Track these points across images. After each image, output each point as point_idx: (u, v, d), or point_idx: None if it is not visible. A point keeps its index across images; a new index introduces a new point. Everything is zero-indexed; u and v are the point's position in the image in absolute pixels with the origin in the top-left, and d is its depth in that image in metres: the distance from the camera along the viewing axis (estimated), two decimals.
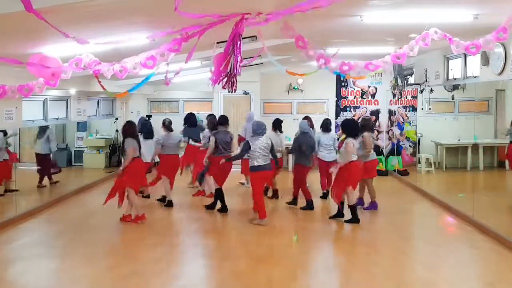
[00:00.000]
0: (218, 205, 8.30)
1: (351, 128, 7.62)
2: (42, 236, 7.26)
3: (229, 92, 4.61)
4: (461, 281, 5.41)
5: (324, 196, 9.28)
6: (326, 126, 9.32)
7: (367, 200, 8.47)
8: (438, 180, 11.84)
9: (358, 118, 13.51)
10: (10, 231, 7.26)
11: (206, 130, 9.44)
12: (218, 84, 4.56)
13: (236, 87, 4.57)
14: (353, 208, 7.50)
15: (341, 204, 7.60)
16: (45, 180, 10.51)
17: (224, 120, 8.60)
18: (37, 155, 10.55)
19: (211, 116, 9.67)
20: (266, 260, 6.03)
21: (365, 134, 8.11)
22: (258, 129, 7.47)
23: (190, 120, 9.84)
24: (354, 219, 7.46)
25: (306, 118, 9.59)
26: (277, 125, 9.48)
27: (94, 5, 3.31)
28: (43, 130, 10.41)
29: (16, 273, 5.66)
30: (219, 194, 8.27)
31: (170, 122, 9.01)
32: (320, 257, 6.44)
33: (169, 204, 8.69)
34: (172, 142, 8.74)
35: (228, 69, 4.37)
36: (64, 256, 6.33)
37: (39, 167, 10.59)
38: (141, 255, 6.29)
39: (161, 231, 7.32)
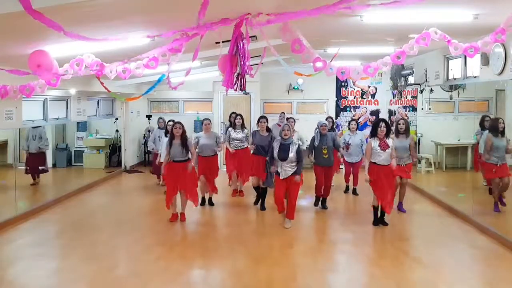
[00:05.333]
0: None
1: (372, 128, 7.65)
2: (42, 236, 7.25)
3: (240, 90, 4.62)
4: (461, 281, 5.41)
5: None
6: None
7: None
8: (438, 180, 11.83)
9: (359, 118, 13.58)
10: (10, 231, 7.27)
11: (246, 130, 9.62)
12: (234, 88, 4.53)
13: (245, 85, 4.57)
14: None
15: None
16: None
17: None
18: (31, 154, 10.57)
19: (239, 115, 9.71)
20: (266, 260, 6.04)
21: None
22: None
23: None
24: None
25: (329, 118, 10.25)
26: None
27: (94, 5, 3.31)
28: (36, 129, 10.47)
29: (16, 273, 5.66)
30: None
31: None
32: (319, 257, 6.44)
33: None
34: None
35: (237, 71, 4.36)
36: (64, 256, 6.34)
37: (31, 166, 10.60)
38: (141, 255, 6.29)
39: (160, 231, 7.33)
